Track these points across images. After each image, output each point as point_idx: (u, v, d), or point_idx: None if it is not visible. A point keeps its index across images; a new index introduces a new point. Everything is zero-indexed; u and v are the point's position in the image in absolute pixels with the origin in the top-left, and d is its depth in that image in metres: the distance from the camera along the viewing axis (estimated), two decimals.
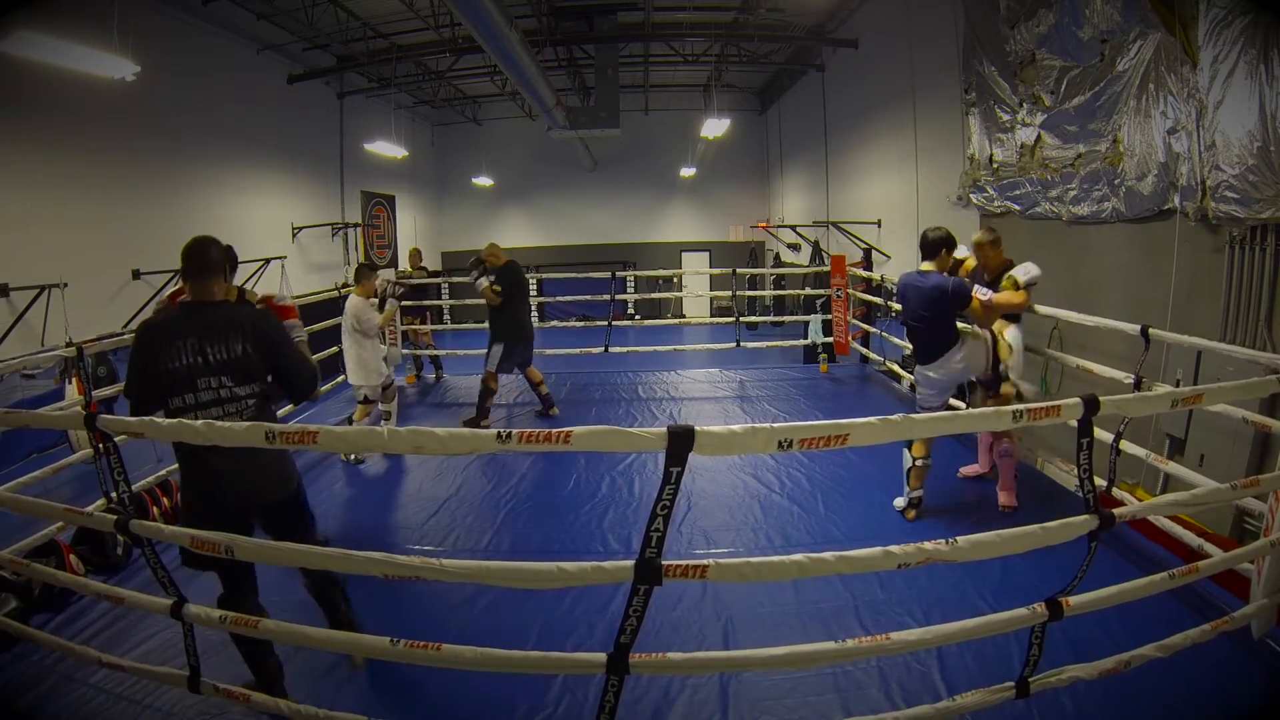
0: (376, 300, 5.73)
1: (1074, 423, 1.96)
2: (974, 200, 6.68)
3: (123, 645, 2.82)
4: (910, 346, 3.81)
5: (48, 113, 6.10)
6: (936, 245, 3.81)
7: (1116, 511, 2.02)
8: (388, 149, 11.46)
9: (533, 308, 6.78)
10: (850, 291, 7.64)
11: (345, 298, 5.42)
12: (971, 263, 4.17)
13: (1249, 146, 3.61)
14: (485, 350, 5.89)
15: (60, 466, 3.84)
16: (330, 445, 1.88)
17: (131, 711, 2.47)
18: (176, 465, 2.41)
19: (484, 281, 5.69)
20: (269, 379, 2.38)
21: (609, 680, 1.91)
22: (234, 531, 2.26)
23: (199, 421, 2.01)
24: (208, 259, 2.32)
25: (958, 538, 1.85)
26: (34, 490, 3.21)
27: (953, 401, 5.51)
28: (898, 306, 7.49)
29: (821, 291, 8.34)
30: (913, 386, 6.77)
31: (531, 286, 15.14)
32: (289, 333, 2.53)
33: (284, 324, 2.55)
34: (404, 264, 11.22)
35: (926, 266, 3.83)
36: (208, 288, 2.31)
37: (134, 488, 3.52)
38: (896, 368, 6.92)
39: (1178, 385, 3.99)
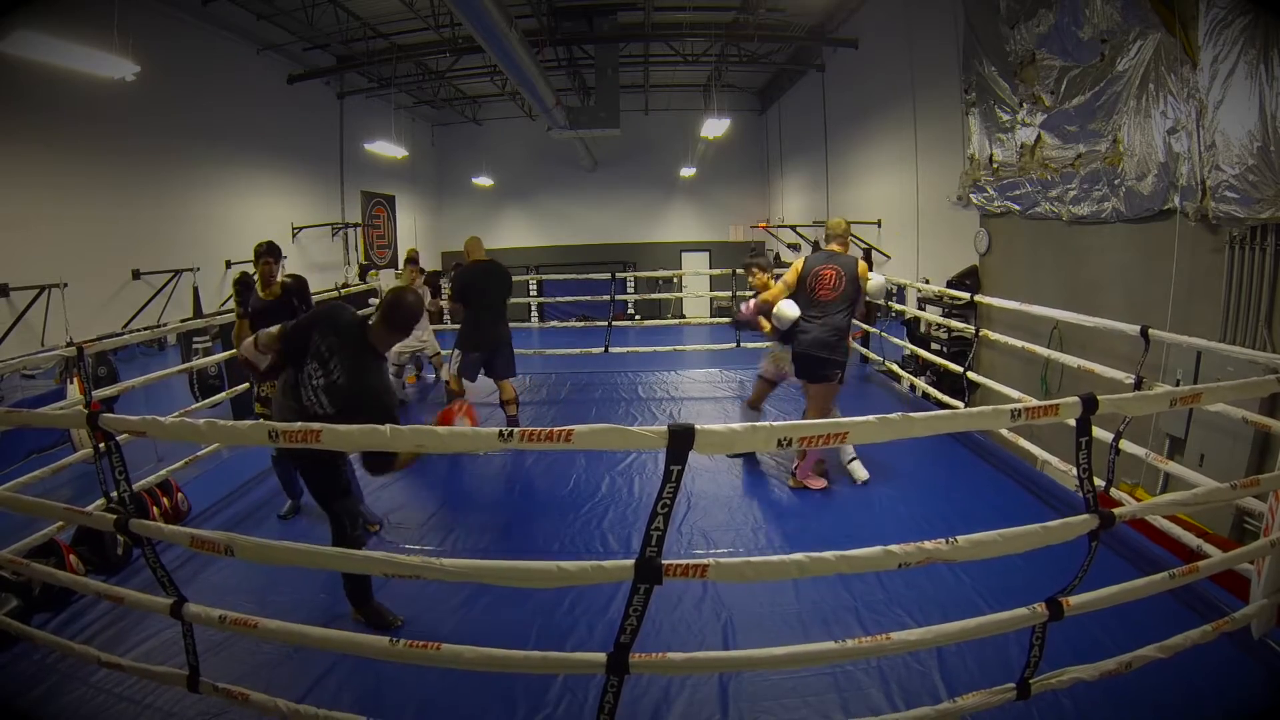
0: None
1: (1073, 422, 1.96)
2: (974, 200, 6.68)
3: (122, 645, 2.81)
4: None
5: (48, 113, 6.10)
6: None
7: (1116, 511, 2.02)
8: (388, 149, 11.46)
9: (529, 311, 6.56)
10: None
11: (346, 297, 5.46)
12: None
13: (1249, 146, 3.61)
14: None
15: (60, 466, 3.84)
16: (333, 443, 1.88)
17: (131, 711, 2.46)
18: (178, 465, 2.42)
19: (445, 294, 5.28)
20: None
21: (609, 680, 1.91)
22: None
23: (201, 421, 2.04)
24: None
25: (958, 537, 1.85)
26: (34, 490, 3.20)
27: (949, 399, 5.52)
28: (899, 307, 7.57)
29: None
30: (913, 386, 6.82)
31: (531, 287, 15.24)
32: None
33: None
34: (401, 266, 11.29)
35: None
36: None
37: (134, 487, 3.51)
38: (896, 368, 6.92)
39: (1178, 385, 3.99)
